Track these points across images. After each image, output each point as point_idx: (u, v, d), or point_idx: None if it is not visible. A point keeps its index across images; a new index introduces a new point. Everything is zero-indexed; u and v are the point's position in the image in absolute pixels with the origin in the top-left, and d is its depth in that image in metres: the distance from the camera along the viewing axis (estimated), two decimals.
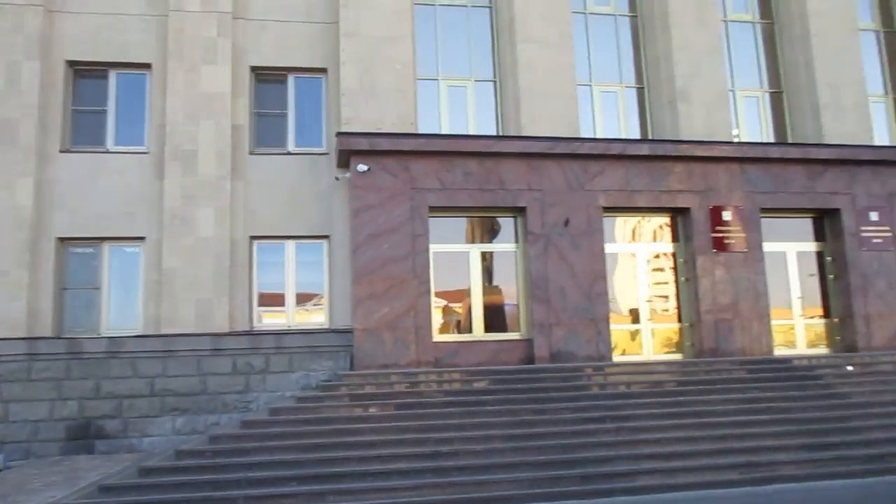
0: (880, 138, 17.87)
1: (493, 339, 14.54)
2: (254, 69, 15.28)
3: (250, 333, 14.01)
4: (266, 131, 15.33)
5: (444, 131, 15.78)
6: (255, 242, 14.74)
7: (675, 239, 15.85)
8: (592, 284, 14.66)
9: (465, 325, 14.75)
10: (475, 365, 13.93)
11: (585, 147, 15.00)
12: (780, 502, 8.92)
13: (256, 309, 14.57)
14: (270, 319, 14.67)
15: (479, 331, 14.67)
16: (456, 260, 14.95)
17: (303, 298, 14.88)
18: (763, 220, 15.91)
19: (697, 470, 10.08)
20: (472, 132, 15.84)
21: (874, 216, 16.20)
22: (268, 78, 15.48)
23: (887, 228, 16.21)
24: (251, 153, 14.93)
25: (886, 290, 15.96)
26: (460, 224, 15.16)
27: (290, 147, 15.24)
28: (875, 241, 16.11)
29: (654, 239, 15.98)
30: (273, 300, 14.73)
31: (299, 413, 11.54)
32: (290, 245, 14.87)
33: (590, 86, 16.99)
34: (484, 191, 14.61)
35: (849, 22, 17.70)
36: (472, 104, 16.30)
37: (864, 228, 16.12)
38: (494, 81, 16.45)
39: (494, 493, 9.38)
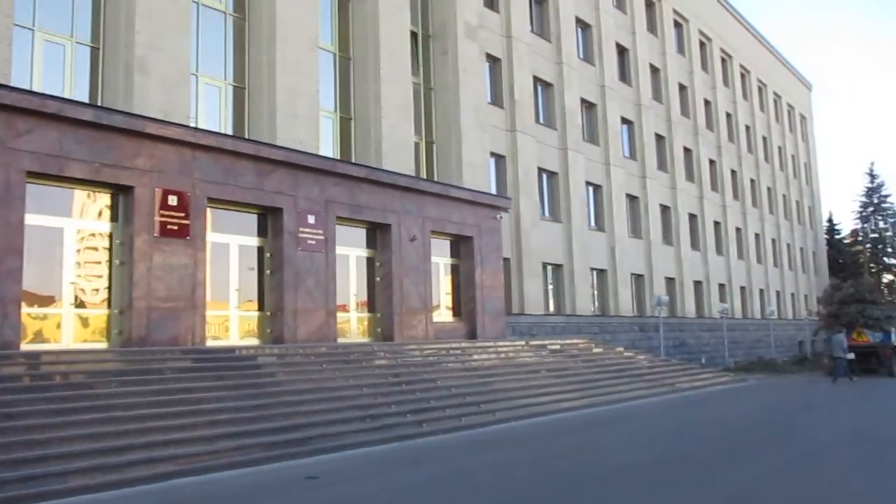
0: (325, 149, 19.46)
1: None
2: None
3: None
4: None
5: None
6: None
7: (113, 218, 14.52)
8: (4, 260, 12.39)
9: None
10: None
11: (12, 97, 12.63)
12: (170, 500, 8.47)
13: None
14: None
15: None
16: None
17: None
18: (210, 209, 15.74)
19: (85, 472, 8.96)
20: None
21: (311, 219, 17.44)
22: None
23: (321, 232, 17.61)
24: None
25: (314, 287, 17.28)
26: None
27: None
28: (310, 241, 17.34)
29: (89, 216, 14.42)
30: None
31: None
32: None
33: (32, 30, 14.63)
34: None
35: (311, 37, 18.93)
36: None
37: (301, 229, 17.20)
38: None
39: None
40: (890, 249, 58.40)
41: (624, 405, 18.15)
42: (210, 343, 15.36)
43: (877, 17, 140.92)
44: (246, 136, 17.56)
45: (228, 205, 16.30)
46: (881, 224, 60.36)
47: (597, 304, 30.68)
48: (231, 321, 16.39)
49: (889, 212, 60.54)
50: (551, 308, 27.87)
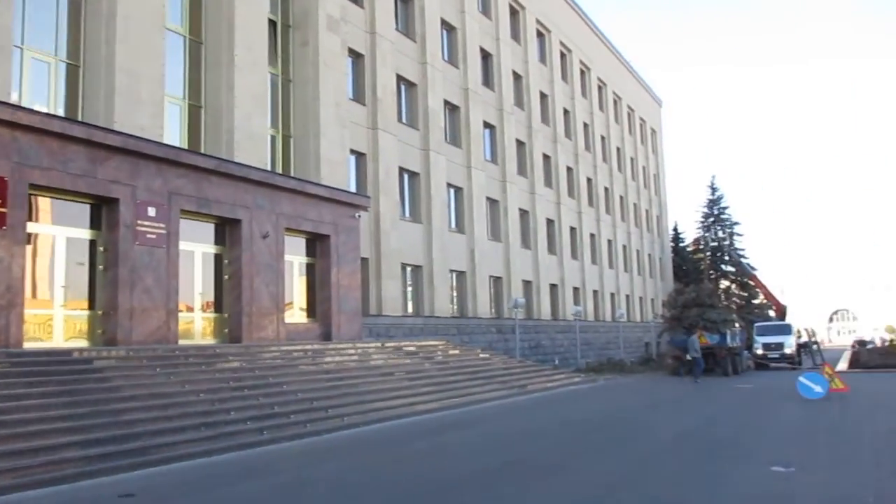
0: (171, 138, 18.19)
1: None
2: None
3: None
4: None
5: None
6: None
7: None
8: None
9: None
10: None
11: None
12: None
13: None
14: None
15: None
16: None
17: None
18: (33, 197, 14.25)
19: None
20: None
21: (152, 212, 16.20)
22: None
23: (163, 225, 16.40)
24: None
25: (154, 285, 16.05)
26: None
27: None
28: (150, 236, 16.10)
29: None
30: None
31: None
32: None
33: None
34: None
35: (157, 16, 17.62)
36: None
37: (140, 222, 15.94)
38: None
39: None
40: (727, 257, 62.73)
41: (478, 407, 18.14)
42: (28, 345, 13.87)
43: (727, 42, 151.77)
44: (79, 119, 16.06)
45: (55, 193, 14.84)
46: (720, 234, 64.81)
47: (455, 305, 30.77)
48: (55, 321, 14.89)
49: (727, 222, 65.05)
50: (410, 309, 27.63)
